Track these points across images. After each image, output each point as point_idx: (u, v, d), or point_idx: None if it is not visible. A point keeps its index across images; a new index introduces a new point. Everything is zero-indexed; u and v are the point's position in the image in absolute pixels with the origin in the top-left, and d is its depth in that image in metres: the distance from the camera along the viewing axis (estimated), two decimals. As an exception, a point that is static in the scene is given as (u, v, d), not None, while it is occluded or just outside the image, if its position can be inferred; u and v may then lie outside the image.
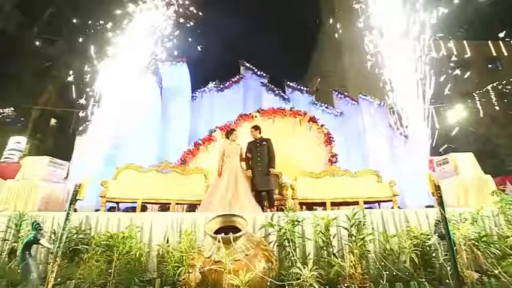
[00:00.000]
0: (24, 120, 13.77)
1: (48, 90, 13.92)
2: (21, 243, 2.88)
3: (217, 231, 2.70)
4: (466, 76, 17.23)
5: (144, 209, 5.33)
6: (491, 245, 2.79)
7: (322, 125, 7.38)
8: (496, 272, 2.51)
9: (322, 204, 5.02)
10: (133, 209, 5.22)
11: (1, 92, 12.32)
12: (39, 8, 13.34)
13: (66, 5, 13.51)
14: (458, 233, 2.78)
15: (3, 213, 3.62)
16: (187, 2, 9.03)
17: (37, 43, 12.99)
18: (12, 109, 13.49)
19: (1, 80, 11.97)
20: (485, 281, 2.40)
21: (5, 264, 2.97)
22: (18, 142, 10.47)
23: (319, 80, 23.34)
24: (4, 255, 3.18)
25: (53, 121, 16.03)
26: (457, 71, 17.47)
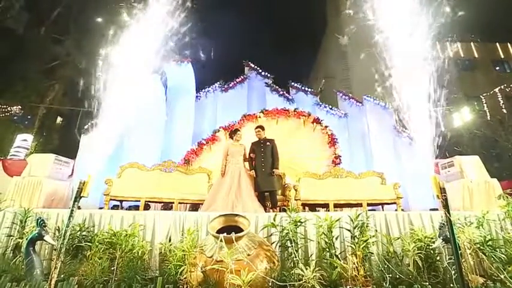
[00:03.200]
0: (31, 118, 13.95)
1: (54, 88, 14.08)
2: (26, 239, 2.91)
3: (219, 231, 2.70)
4: (472, 78, 17.05)
5: (147, 207, 5.36)
6: (497, 250, 2.75)
7: (326, 126, 7.36)
8: (502, 277, 2.48)
9: (325, 206, 5.00)
10: (136, 208, 5.25)
11: (8, 90, 12.49)
12: (46, 7, 13.51)
13: (74, 4, 13.66)
14: (463, 236, 2.75)
15: (9, 209, 3.67)
16: (191, 3, 9.06)
17: (44, 42, 13.15)
18: (19, 107, 13.66)
19: (8, 78, 12.14)
20: (490, 286, 2.36)
21: (9, 259, 3.01)
22: (24, 140, 10.57)
23: (323, 81, 23.27)
24: (9, 250, 3.22)
25: (59, 119, 16.22)
26: (464, 73, 17.30)
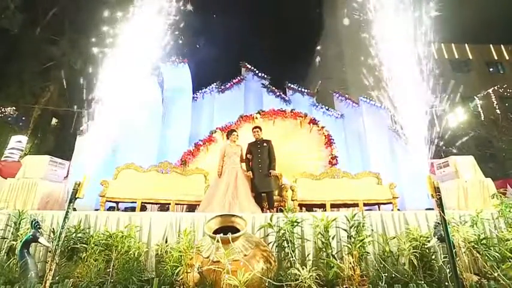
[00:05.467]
0: (25, 119, 13.81)
1: (49, 89, 13.97)
2: (20, 241, 2.88)
3: (216, 231, 2.70)
4: (467, 79, 17.27)
5: (143, 209, 5.33)
6: (491, 248, 2.79)
7: (322, 127, 7.38)
8: (496, 274, 2.50)
9: (322, 206, 5.01)
10: (132, 209, 5.22)
11: (3, 91, 12.36)
12: (42, 7, 13.41)
13: (69, 5, 13.58)
14: (458, 235, 2.78)
15: (3, 211, 3.63)
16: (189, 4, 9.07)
17: (39, 43, 13.05)
18: (14, 108, 13.53)
19: (3, 79, 12.02)
20: (485, 284, 2.39)
21: (3, 262, 2.97)
22: (19, 141, 10.47)
23: (320, 82, 23.38)
24: (3, 253, 3.19)
25: (54, 121, 16.08)
26: (458, 74, 17.50)
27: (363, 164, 8.11)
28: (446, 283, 2.49)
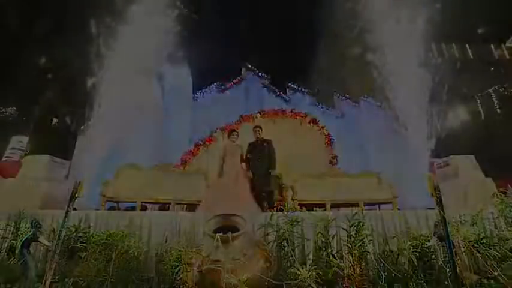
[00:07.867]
0: (26, 119, 13.84)
1: (50, 89, 13.99)
2: (21, 240, 2.89)
3: (216, 231, 2.70)
4: (468, 79, 17.24)
5: (143, 208, 5.33)
6: (491, 247, 2.78)
7: (322, 126, 7.38)
8: (496, 274, 2.50)
9: (322, 206, 5.00)
10: (133, 209, 5.22)
11: (4, 92, 12.38)
12: (42, 7, 13.42)
13: (69, 5, 13.59)
14: (458, 234, 2.77)
15: (3, 211, 3.63)
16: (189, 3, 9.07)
17: (39, 42, 13.06)
18: (15, 108, 13.55)
19: (4, 80, 12.04)
20: (485, 283, 2.38)
21: (4, 261, 2.98)
22: (19, 141, 10.51)
23: (320, 81, 23.34)
24: (3, 252, 3.19)
25: (54, 120, 16.10)
26: (459, 74, 17.47)
27: (363, 163, 8.11)
28: (446, 282, 2.49)
